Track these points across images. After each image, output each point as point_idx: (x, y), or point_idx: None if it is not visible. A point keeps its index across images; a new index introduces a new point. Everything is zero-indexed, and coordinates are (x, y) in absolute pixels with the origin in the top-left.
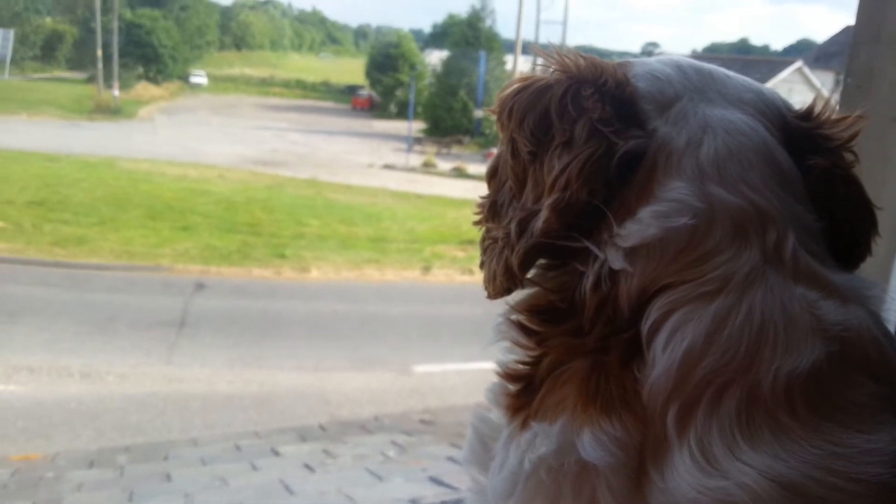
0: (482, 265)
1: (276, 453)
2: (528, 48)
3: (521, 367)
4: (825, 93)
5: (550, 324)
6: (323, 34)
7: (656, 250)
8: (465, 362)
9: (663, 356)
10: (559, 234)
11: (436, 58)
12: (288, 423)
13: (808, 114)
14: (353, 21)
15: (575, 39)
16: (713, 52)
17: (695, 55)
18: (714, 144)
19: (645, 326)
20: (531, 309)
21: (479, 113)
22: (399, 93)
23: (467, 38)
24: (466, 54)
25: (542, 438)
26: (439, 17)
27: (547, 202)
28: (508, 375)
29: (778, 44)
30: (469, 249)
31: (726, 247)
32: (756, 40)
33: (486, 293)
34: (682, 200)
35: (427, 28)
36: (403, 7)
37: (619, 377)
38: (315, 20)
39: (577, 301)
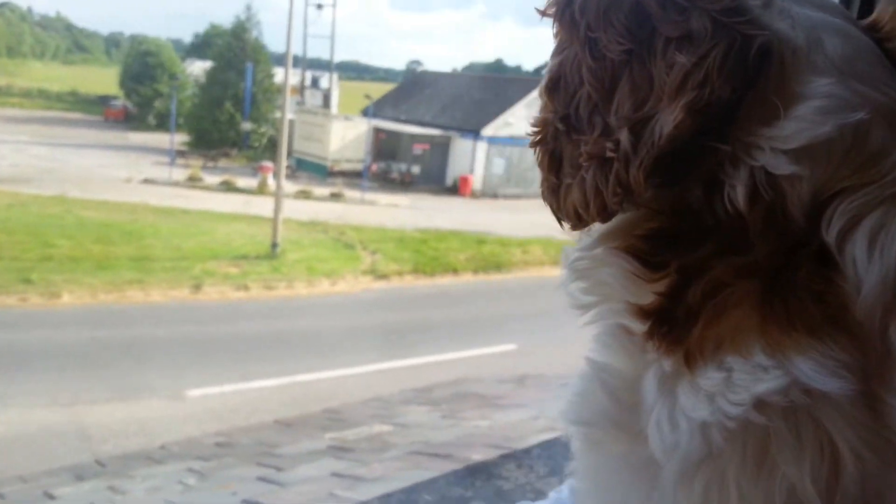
0: (556, 192)
1: (51, 497)
2: (298, 62)
3: (652, 300)
4: None
5: (680, 248)
6: (69, 41)
7: (824, 151)
8: (244, 382)
9: (871, 266)
10: (691, 139)
11: (198, 68)
12: (43, 465)
13: (874, 24)
14: (104, 29)
15: (342, 54)
16: (471, 71)
17: (455, 73)
18: (834, 42)
19: (830, 235)
20: (650, 234)
21: (246, 125)
22: (158, 104)
23: (232, 48)
24: (232, 65)
25: (746, 374)
26: (199, 28)
27: (681, 102)
28: (639, 312)
29: (529, 64)
30: (242, 265)
31: (892, 147)
32: (510, 61)
33: (568, 223)
34: (839, 96)
35: (186, 38)
36: (159, 16)
37: (815, 294)
38: (60, 26)
39: (719, 216)
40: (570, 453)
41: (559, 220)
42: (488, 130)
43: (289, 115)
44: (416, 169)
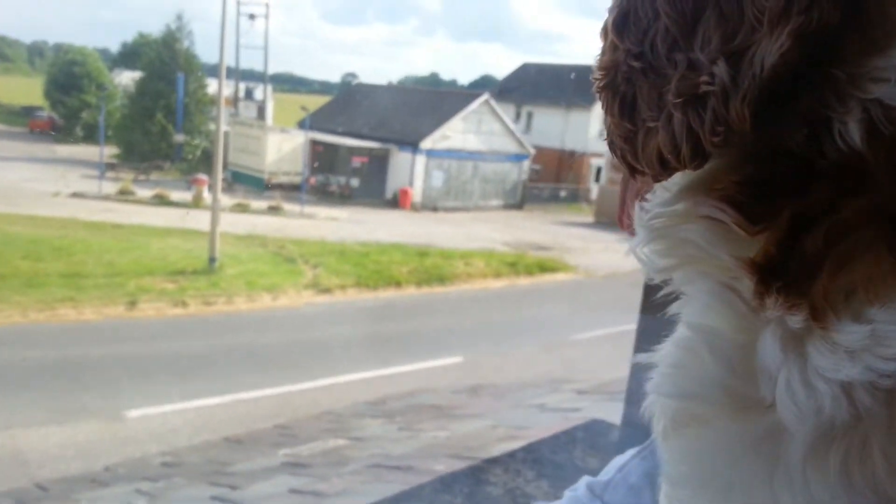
0: (633, 139)
1: None
2: (231, 73)
3: (761, 252)
4: (510, 123)
5: (787, 193)
6: None
7: None
8: (185, 401)
9: None
10: (795, 70)
11: (127, 78)
12: None
13: None
14: (26, 37)
15: (276, 66)
16: (407, 84)
17: (392, 86)
18: None
19: None
20: (747, 180)
21: (179, 137)
22: (86, 115)
23: (163, 58)
24: (163, 76)
25: (894, 326)
26: (126, 37)
27: (787, 28)
28: (750, 267)
29: (464, 78)
30: (179, 280)
31: None
32: (445, 75)
33: (649, 171)
34: None
35: (113, 47)
36: (83, 24)
37: None
38: None
39: (830, 156)
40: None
41: (633, 171)
42: (427, 143)
43: (223, 127)
44: (355, 182)
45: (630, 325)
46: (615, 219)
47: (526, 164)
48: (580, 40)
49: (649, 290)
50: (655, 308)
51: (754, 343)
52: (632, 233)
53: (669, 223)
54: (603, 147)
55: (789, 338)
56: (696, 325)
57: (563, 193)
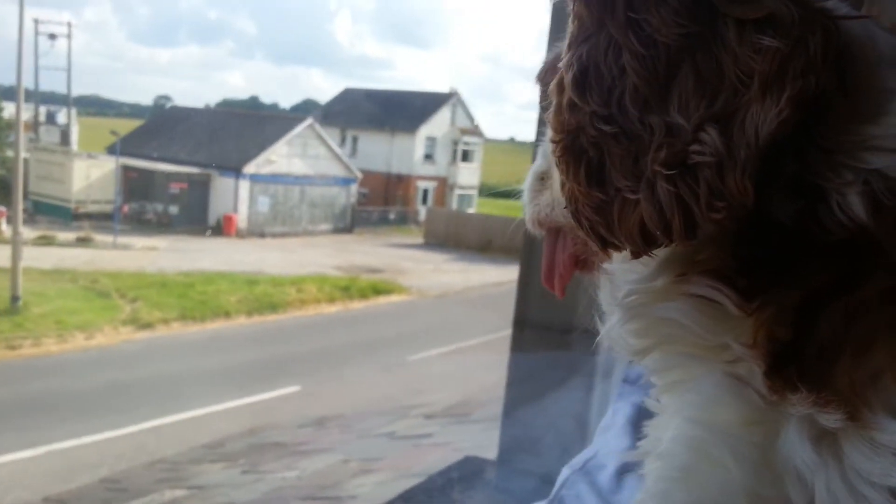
0: (606, 209)
1: None
2: (30, 96)
3: (768, 336)
4: (336, 147)
5: (788, 270)
6: None
7: None
8: None
9: None
10: (787, 138)
11: None
12: None
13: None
14: None
15: (80, 88)
16: (226, 107)
17: (210, 109)
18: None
19: None
20: (739, 255)
21: None
22: None
23: None
24: None
25: None
26: None
27: (785, 94)
28: (758, 350)
29: (286, 102)
30: None
31: None
32: (266, 98)
33: (628, 247)
34: None
35: None
36: None
37: None
38: None
39: (830, 229)
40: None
41: (606, 244)
42: (250, 168)
43: (22, 154)
44: (173, 209)
45: (463, 343)
46: (444, 241)
47: (354, 187)
48: (401, 67)
49: (519, 328)
50: (526, 346)
51: (774, 441)
52: (561, 292)
53: (647, 300)
54: (428, 170)
55: (821, 437)
56: (705, 422)
57: (392, 216)
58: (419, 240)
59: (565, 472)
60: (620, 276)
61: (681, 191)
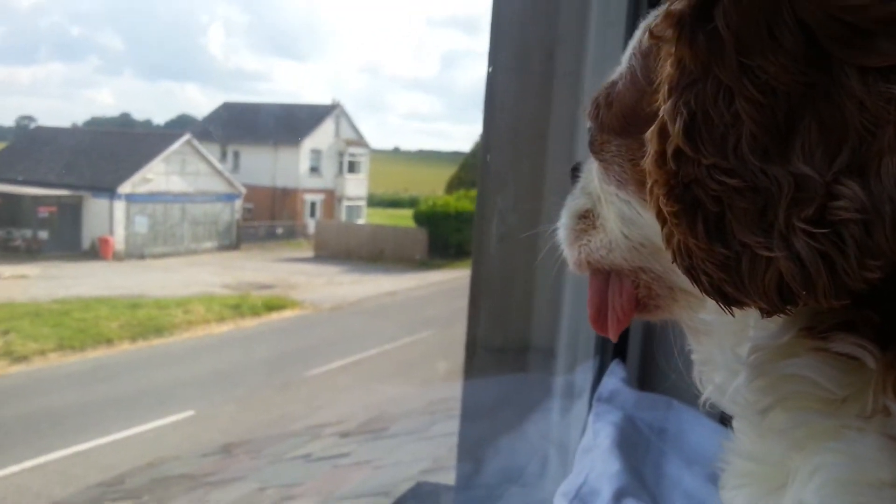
0: (733, 266)
1: None
2: None
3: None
4: (216, 163)
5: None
6: None
7: None
8: None
9: None
10: None
11: None
12: None
13: None
14: None
15: None
16: (95, 126)
17: (78, 129)
18: None
19: None
20: (881, 318)
21: None
22: None
23: None
24: None
25: None
26: None
27: None
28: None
29: (160, 118)
30: None
31: None
32: (138, 115)
33: (761, 305)
34: None
35: None
36: None
37: None
38: None
39: None
40: None
41: (732, 302)
42: (126, 188)
43: None
44: (43, 234)
45: (361, 354)
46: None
47: (238, 203)
48: (279, 79)
49: (471, 351)
50: (479, 369)
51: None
52: (616, 336)
53: (773, 357)
54: (315, 182)
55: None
56: (864, 483)
57: (279, 230)
58: (309, 253)
59: (560, 501)
60: (724, 328)
61: (827, 248)
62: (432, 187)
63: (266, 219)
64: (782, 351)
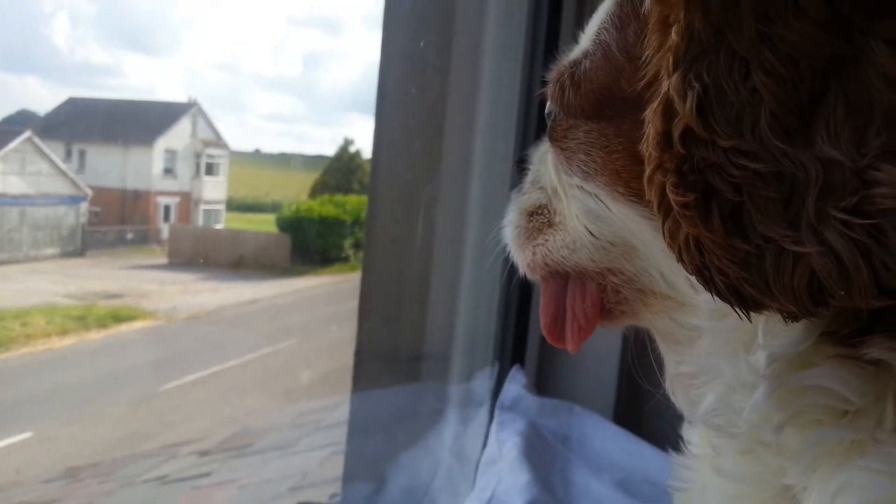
0: (755, 262)
1: None
2: None
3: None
4: (60, 163)
5: None
6: None
7: None
8: None
9: None
10: None
11: None
12: None
13: None
14: None
15: None
16: None
17: None
18: None
19: None
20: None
21: None
22: None
23: None
24: None
25: None
26: None
27: None
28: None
29: None
30: None
31: None
32: None
33: (800, 302)
34: None
35: None
36: None
37: None
38: None
39: None
40: None
41: (751, 303)
42: None
43: None
44: None
45: (220, 366)
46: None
47: (84, 206)
48: (130, 75)
49: (360, 360)
50: (369, 379)
51: None
52: (576, 347)
53: (790, 367)
54: (169, 185)
55: None
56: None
57: (130, 236)
58: (163, 260)
59: None
60: (724, 336)
61: (866, 241)
62: (295, 191)
63: (115, 223)
64: (801, 360)
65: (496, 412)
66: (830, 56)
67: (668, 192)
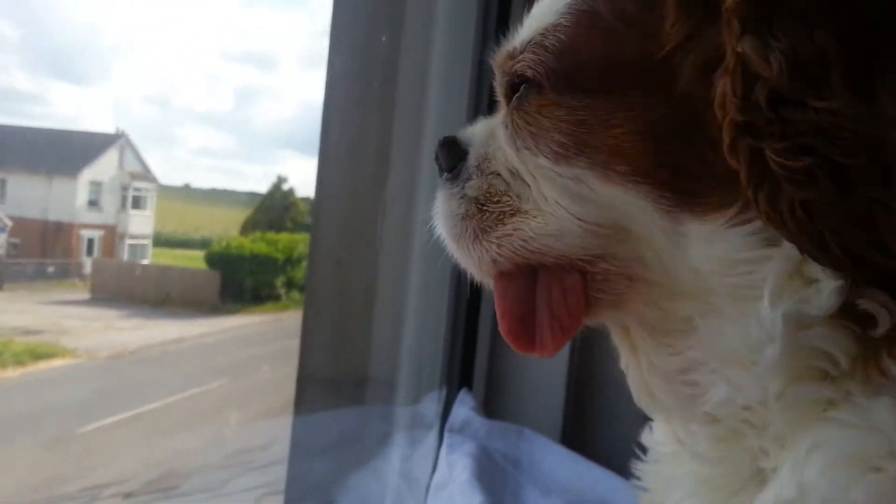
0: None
1: None
2: None
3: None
4: None
5: None
6: None
7: None
8: None
9: None
10: None
11: None
12: None
13: None
14: None
15: None
16: None
17: None
18: None
19: None
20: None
21: None
22: None
23: None
24: None
25: None
26: None
27: None
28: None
29: None
30: None
31: None
32: None
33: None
34: None
35: None
36: None
37: None
38: None
39: None
40: None
41: (868, 266)
42: None
43: None
44: None
45: (143, 407)
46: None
47: (3, 237)
48: (56, 103)
49: (303, 386)
50: (312, 405)
51: None
52: (553, 352)
53: (799, 328)
54: (94, 217)
55: None
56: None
57: (51, 269)
58: (85, 295)
59: None
60: (730, 296)
61: None
62: (225, 228)
63: (35, 255)
64: (807, 321)
65: (446, 435)
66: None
67: (769, 157)
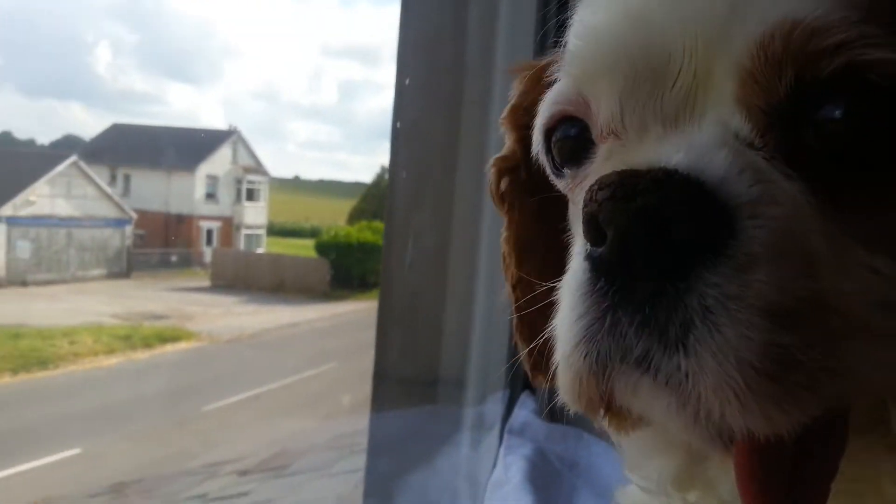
0: None
1: None
2: None
3: None
4: (105, 187)
5: None
6: None
7: None
8: None
9: None
10: None
11: None
12: None
13: None
14: None
15: None
16: None
17: None
18: None
19: None
20: None
21: None
22: None
23: None
24: None
25: None
26: None
27: None
28: None
29: (44, 138)
30: None
31: None
32: (19, 134)
33: None
34: None
35: None
36: None
37: None
38: None
39: None
40: None
41: None
42: (6, 210)
43: None
44: None
45: (261, 388)
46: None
47: (128, 229)
48: (172, 102)
49: (379, 383)
50: (387, 402)
51: None
52: None
53: None
54: (212, 209)
55: None
56: None
57: (174, 258)
58: (206, 282)
59: None
60: None
61: None
62: (333, 217)
63: (159, 246)
64: None
65: (505, 436)
66: None
67: None
